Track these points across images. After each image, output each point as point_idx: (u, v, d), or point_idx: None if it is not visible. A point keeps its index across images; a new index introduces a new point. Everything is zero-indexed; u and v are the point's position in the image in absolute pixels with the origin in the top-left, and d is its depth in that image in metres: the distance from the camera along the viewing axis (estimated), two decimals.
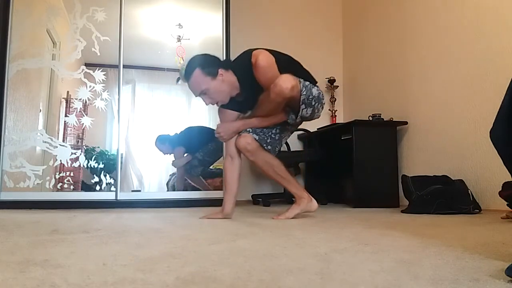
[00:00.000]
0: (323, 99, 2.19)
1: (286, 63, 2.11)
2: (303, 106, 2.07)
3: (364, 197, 3.22)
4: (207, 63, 2.05)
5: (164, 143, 3.42)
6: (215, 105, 2.17)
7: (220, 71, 2.05)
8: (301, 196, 2.24)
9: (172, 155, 3.47)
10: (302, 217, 2.31)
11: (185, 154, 3.49)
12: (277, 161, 2.22)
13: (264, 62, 1.98)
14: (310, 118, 2.20)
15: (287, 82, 1.92)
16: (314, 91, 2.12)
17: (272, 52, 2.06)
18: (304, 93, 2.05)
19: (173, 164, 3.44)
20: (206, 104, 2.12)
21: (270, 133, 2.23)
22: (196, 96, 2.11)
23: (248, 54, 2.05)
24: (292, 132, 2.42)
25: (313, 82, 2.17)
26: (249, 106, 2.22)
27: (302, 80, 2.08)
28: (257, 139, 2.15)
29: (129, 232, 1.61)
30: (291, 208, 2.23)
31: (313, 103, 2.11)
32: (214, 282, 0.81)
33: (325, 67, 4.49)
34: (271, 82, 1.96)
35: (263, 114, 2.16)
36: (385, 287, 0.78)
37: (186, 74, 2.04)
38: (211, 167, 3.52)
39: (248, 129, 2.18)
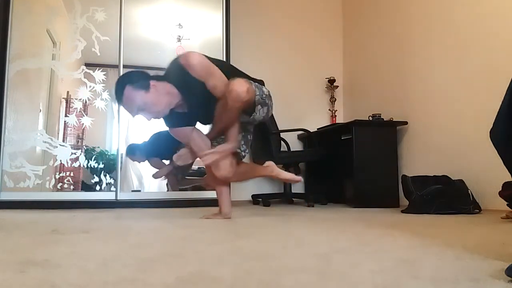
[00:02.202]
0: (269, 95, 2.15)
1: (230, 67, 2.10)
2: (259, 107, 2.04)
3: (364, 197, 3.22)
4: (136, 78, 1.95)
5: (134, 153, 3.29)
6: (158, 119, 2.06)
7: (152, 82, 1.94)
8: (271, 169, 2.25)
9: (147, 162, 3.36)
10: (303, 217, 2.31)
11: (165, 161, 3.39)
12: (240, 165, 2.21)
13: (195, 59, 1.91)
14: (266, 117, 2.16)
15: (241, 86, 1.89)
16: (265, 90, 2.09)
17: (209, 58, 2.00)
18: (258, 93, 2.02)
19: (154, 176, 3.33)
20: (148, 120, 2.01)
21: (242, 143, 2.19)
22: (133, 116, 1.99)
23: (175, 59, 2.00)
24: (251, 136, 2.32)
25: (260, 82, 2.15)
26: (197, 114, 2.11)
27: (251, 81, 2.05)
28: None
29: (129, 232, 1.61)
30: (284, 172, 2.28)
31: (267, 101, 2.08)
32: (214, 282, 0.81)
33: (325, 67, 4.49)
34: (214, 76, 1.92)
35: (224, 126, 2.08)
36: (385, 287, 0.78)
37: (117, 94, 1.92)
38: None
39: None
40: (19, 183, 3.07)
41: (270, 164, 2.26)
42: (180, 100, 2.01)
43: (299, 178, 2.27)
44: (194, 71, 1.91)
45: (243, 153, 2.20)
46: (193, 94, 1.99)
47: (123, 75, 2.00)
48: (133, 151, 3.29)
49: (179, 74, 1.94)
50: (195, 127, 2.18)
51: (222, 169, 2.07)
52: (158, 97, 1.94)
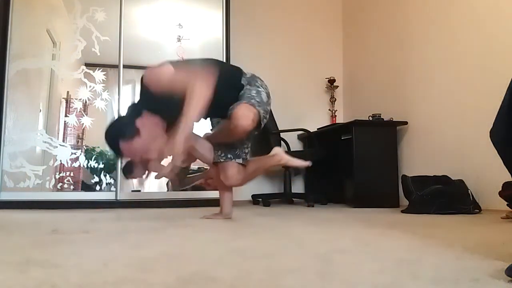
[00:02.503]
0: (268, 93, 2.04)
1: (212, 61, 2.01)
2: (264, 120, 1.98)
3: (364, 197, 3.22)
4: (122, 128, 1.84)
5: (132, 171, 3.06)
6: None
7: (137, 123, 1.82)
8: (279, 158, 2.16)
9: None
10: (303, 217, 2.30)
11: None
12: (247, 166, 2.14)
13: (149, 73, 1.84)
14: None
15: (246, 120, 1.84)
16: (263, 96, 1.97)
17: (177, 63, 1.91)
18: (262, 111, 1.92)
19: (155, 177, 3.21)
20: (156, 157, 1.95)
21: (243, 148, 2.11)
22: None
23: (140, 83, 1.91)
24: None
25: (239, 75, 2.04)
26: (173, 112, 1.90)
27: (253, 98, 1.92)
28: (235, 159, 2.06)
29: (129, 232, 1.61)
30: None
31: (268, 107, 2.00)
32: (214, 282, 0.81)
33: (325, 67, 4.49)
34: (175, 85, 1.81)
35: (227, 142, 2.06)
36: (385, 287, 0.78)
37: (116, 154, 1.87)
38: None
39: (221, 155, 2.06)
40: (19, 183, 3.07)
41: (277, 152, 2.18)
42: (166, 121, 1.92)
43: (308, 162, 2.19)
44: (156, 88, 1.82)
45: (247, 149, 2.14)
46: (171, 107, 1.85)
47: (108, 132, 1.86)
48: (130, 170, 3.14)
49: (150, 98, 1.85)
50: (194, 134, 2.11)
51: (230, 178, 2.06)
52: (152, 132, 1.86)
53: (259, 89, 1.99)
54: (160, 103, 1.84)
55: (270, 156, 2.19)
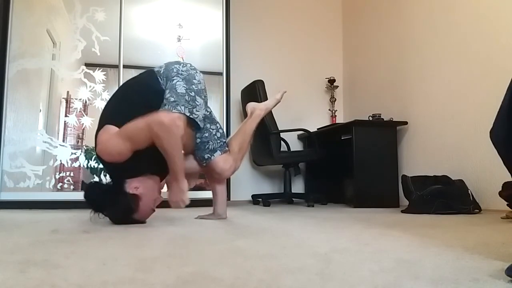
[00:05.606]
0: (187, 70, 1.93)
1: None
2: (194, 110, 1.88)
3: (364, 197, 3.22)
4: (125, 205, 1.78)
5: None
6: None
7: (129, 190, 1.78)
8: (258, 113, 2.23)
9: None
10: (303, 217, 2.30)
11: None
12: (230, 141, 2.15)
13: (102, 154, 1.77)
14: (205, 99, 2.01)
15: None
16: (179, 86, 1.85)
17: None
18: (182, 108, 1.82)
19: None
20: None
21: (213, 134, 2.07)
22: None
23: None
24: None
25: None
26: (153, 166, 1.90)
27: (166, 103, 1.81)
28: (214, 154, 2.05)
29: (129, 232, 1.61)
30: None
31: (191, 93, 1.88)
32: (214, 282, 0.81)
33: (325, 67, 4.49)
34: (123, 154, 1.73)
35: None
36: (385, 287, 0.78)
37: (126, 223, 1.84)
38: None
39: (202, 160, 2.06)
40: (19, 183, 3.07)
41: (252, 108, 2.21)
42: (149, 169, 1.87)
43: (281, 92, 2.27)
44: (104, 155, 1.78)
45: (219, 134, 2.08)
46: (146, 161, 1.82)
47: (118, 218, 1.84)
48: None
49: (120, 167, 1.78)
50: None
51: (222, 172, 2.07)
52: (146, 185, 1.85)
53: (173, 82, 1.87)
54: (133, 165, 1.78)
55: (250, 120, 2.19)
